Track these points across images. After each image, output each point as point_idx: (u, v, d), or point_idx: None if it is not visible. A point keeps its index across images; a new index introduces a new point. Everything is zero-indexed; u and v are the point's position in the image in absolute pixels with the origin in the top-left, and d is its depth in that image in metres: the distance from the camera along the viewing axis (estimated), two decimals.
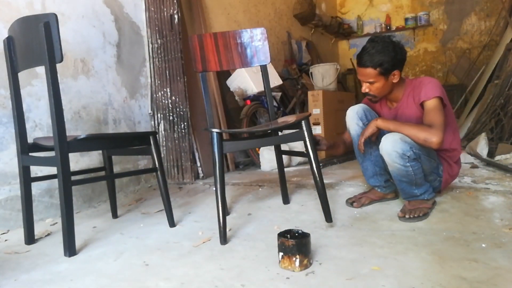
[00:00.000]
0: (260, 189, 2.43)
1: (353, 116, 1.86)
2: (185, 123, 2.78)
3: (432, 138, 1.56)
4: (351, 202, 1.95)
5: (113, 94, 2.57)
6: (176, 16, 2.79)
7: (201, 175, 2.85)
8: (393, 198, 1.98)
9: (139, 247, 1.57)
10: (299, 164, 3.27)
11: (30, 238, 1.69)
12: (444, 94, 1.71)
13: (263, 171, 3.09)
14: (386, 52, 1.67)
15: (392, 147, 1.62)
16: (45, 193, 2.09)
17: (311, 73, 4.20)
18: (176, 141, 2.80)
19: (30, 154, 1.69)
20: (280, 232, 1.34)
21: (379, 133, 1.76)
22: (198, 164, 2.86)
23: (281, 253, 1.28)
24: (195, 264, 1.37)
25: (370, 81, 1.73)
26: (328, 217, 1.68)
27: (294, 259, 1.25)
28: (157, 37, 2.83)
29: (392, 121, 1.70)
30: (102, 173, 2.08)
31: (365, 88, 1.77)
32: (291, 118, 1.79)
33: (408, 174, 1.67)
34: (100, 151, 2.27)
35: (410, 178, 1.69)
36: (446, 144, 1.79)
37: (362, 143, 1.74)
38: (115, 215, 2.05)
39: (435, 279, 1.15)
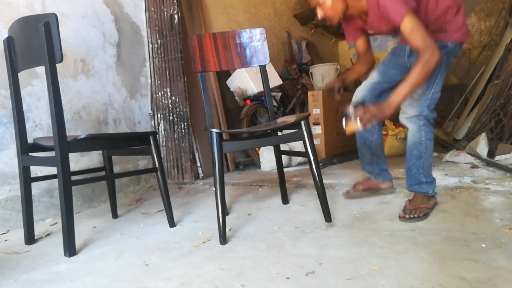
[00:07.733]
0: (260, 189, 2.43)
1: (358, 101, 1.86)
2: (185, 123, 2.78)
3: (430, 61, 1.42)
4: (346, 191, 2.01)
5: (113, 94, 2.57)
6: (176, 16, 2.79)
7: (201, 175, 2.85)
8: (389, 191, 1.99)
9: (139, 247, 1.57)
10: (299, 164, 3.26)
11: (30, 238, 1.69)
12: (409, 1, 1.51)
13: (263, 171, 3.09)
14: None
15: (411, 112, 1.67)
16: (45, 193, 2.09)
17: (311, 73, 4.20)
18: (176, 141, 2.80)
19: (30, 154, 1.69)
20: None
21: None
22: (198, 164, 2.86)
23: (343, 119, 1.52)
24: (195, 264, 1.37)
25: (319, 2, 1.64)
26: (328, 217, 1.69)
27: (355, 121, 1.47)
28: (157, 37, 2.83)
29: (397, 94, 1.49)
30: (102, 173, 2.08)
31: (319, 14, 1.68)
32: (290, 118, 1.79)
33: (421, 143, 1.69)
34: (100, 151, 2.28)
35: (420, 150, 1.70)
36: (435, 14, 1.64)
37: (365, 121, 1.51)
38: (115, 215, 2.06)
39: (435, 279, 1.15)
